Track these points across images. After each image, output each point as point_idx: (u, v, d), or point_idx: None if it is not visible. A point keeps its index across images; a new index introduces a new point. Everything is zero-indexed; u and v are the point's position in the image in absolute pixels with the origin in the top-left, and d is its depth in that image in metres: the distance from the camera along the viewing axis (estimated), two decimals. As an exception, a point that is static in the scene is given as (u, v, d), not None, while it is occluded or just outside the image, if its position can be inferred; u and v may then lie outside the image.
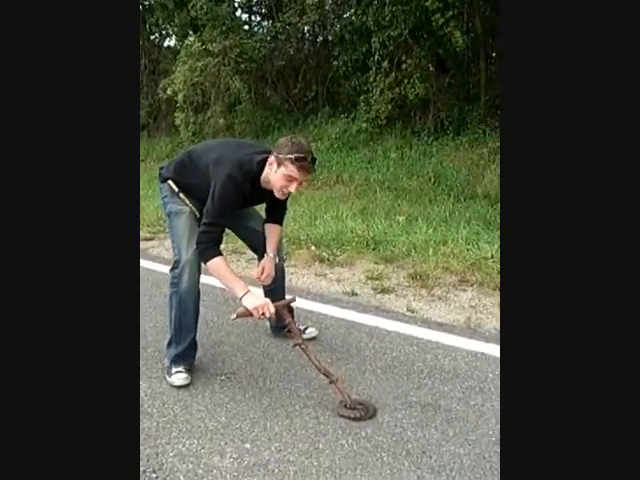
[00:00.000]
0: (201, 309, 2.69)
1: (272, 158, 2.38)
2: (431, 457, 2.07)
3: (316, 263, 4.44)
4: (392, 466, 2.03)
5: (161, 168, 2.78)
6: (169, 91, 9.71)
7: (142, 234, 5.55)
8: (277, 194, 2.48)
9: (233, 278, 2.43)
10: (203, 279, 2.65)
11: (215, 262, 2.39)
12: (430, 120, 8.41)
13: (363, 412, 2.31)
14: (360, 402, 2.37)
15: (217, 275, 2.45)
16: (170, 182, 2.65)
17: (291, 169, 2.33)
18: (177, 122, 10.06)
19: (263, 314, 2.36)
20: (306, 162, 2.34)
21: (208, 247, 2.39)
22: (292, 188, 2.41)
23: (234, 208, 2.48)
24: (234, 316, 2.39)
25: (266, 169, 2.43)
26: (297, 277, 4.16)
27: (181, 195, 2.63)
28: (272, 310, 2.36)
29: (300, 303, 3.48)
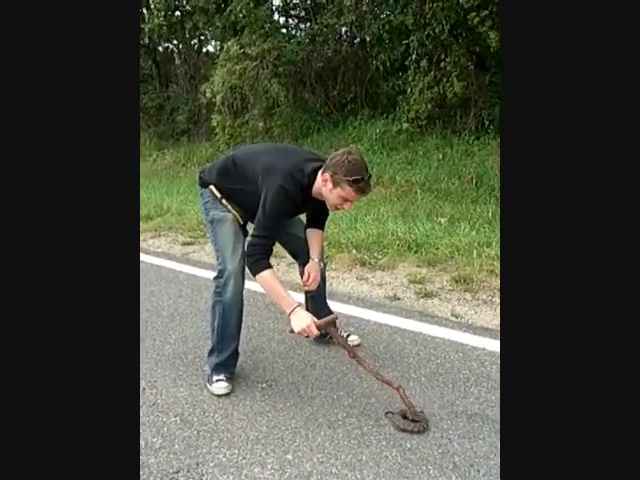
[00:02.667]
0: (243, 315, 2.65)
1: (327, 175, 2.30)
2: (479, 471, 1.99)
3: (357, 267, 4.37)
4: (439, 480, 1.96)
5: (201, 172, 2.72)
6: (208, 93, 9.75)
7: (182, 239, 5.58)
8: (329, 208, 2.46)
9: (282, 294, 2.38)
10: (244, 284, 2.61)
11: (264, 276, 2.35)
12: (471, 119, 8.24)
13: (422, 427, 2.24)
14: (417, 412, 2.29)
15: (266, 288, 2.41)
16: (212, 187, 2.61)
17: (348, 191, 2.27)
18: (214, 124, 10.08)
19: (307, 336, 2.34)
20: (363, 183, 2.27)
21: (258, 260, 2.35)
22: (346, 206, 2.37)
23: (284, 218, 2.45)
24: (289, 330, 2.39)
25: (319, 182, 2.36)
26: (338, 281, 4.11)
27: (224, 201, 2.58)
28: (315, 333, 2.33)
29: (341, 308, 3.45)
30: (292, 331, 2.35)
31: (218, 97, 9.70)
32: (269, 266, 2.37)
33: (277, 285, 2.39)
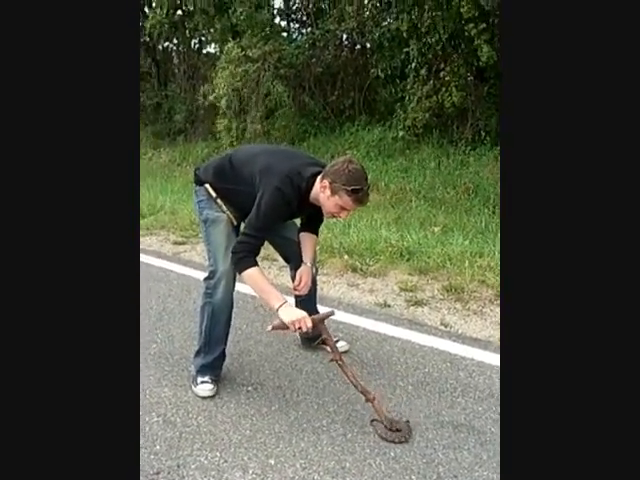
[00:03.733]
0: (231, 317, 2.63)
1: (326, 182, 2.26)
2: (463, 482, 1.98)
3: (349, 272, 4.35)
4: (422, 490, 1.94)
5: (197, 169, 2.68)
6: (211, 97, 9.74)
7: (174, 238, 5.55)
8: (326, 215, 2.43)
9: (269, 289, 2.35)
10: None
11: (250, 273, 2.31)
12: (468, 129, 8.25)
13: (404, 438, 2.21)
14: (396, 421, 2.27)
15: (252, 285, 2.37)
16: (207, 186, 2.56)
17: (346, 200, 2.23)
18: (219, 128, 10.06)
19: (300, 328, 2.26)
20: (362, 194, 2.24)
21: (244, 257, 2.31)
22: (343, 215, 2.34)
23: (278, 222, 2.42)
24: (270, 328, 2.31)
25: (317, 188, 2.33)
26: (329, 286, 4.08)
27: (219, 201, 2.54)
28: (309, 324, 2.25)
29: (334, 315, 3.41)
30: (275, 327, 2.28)
31: (223, 101, 9.69)
32: (255, 264, 2.33)
33: (264, 281, 2.35)
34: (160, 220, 6.18)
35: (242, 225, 2.59)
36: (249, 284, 2.38)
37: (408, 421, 2.28)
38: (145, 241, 5.53)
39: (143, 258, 4.76)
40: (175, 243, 5.39)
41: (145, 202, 6.97)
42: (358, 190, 2.21)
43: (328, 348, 2.42)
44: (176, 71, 13.85)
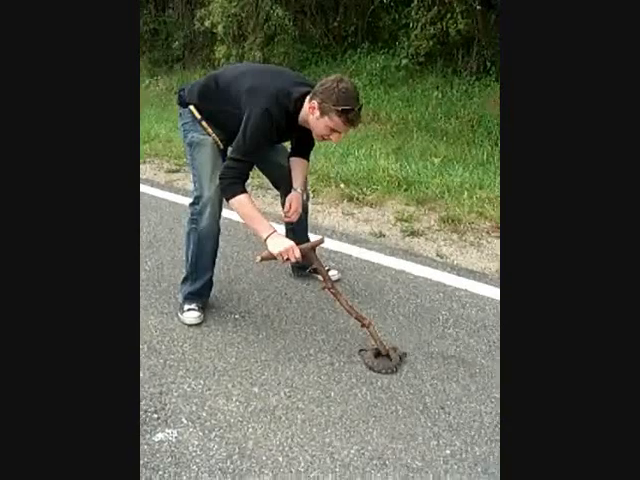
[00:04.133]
0: (221, 244, 2.54)
1: (315, 103, 2.12)
2: (449, 413, 1.93)
3: (344, 202, 4.24)
4: (407, 420, 1.89)
5: (181, 90, 2.53)
6: (207, 23, 9.37)
7: (168, 166, 5.42)
8: (316, 138, 2.30)
9: (258, 218, 2.26)
10: (225, 213, 2.50)
11: (239, 199, 2.22)
12: (473, 59, 7.95)
13: (392, 369, 2.16)
14: (392, 348, 2.22)
15: (240, 213, 2.28)
16: (192, 107, 2.43)
17: (336, 122, 2.10)
18: (217, 55, 9.73)
19: (288, 259, 2.18)
20: (353, 114, 2.09)
21: (232, 183, 2.22)
22: (334, 138, 2.20)
23: (266, 144, 2.29)
24: (258, 259, 2.23)
25: (306, 109, 2.19)
26: (323, 215, 3.99)
27: (204, 123, 2.41)
28: (297, 255, 2.17)
29: (325, 243, 3.33)
30: (263, 258, 2.21)
31: (219, 27, 9.33)
32: (244, 190, 2.24)
33: (252, 209, 2.26)
34: (154, 148, 6.03)
35: (229, 149, 2.48)
36: (237, 212, 2.29)
37: (405, 354, 2.23)
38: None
39: (135, 186, 4.66)
40: (169, 171, 5.26)
41: (140, 131, 6.81)
42: (349, 110, 2.08)
43: (320, 277, 2.35)
44: (173, -5, 13.35)
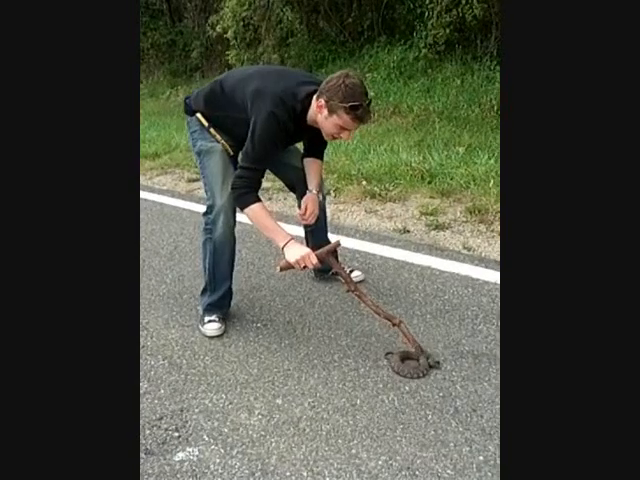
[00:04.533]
0: (242, 251, 2.50)
1: (322, 102, 2.04)
2: (482, 416, 1.83)
3: (367, 199, 4.15)
4: (437, 426, 1.80)
5: (187, 98, 2.48)
6: (218, 28, 9.36)
7: (188, 175, 5.39)
8: (326, 138, 2.22)
9: (273, 226, 2.20)
10: (245, 219, 2.41)
11: (253, 209, 2.16)
12: (492, 43, 7.76)
13: (418, 373, 2.06)
14: (425, 352, 2.12)
15: (256, 223, 2.23)
16: (199, 115, 2.37)
17: (345, 119, 2.02)
18: (230, 60, 9.72)
19: (305, 267, 2.13)
20: (361, 110, 2.00)
21: (245, 193, 2.16)
22: (344, 136, 2.12)
23: (275, 149, 2.21)
24: (278, 269, 2.18)
25: (314, 109, 2.12)
26: (346, 214, 3.90)
27: (212, 130, 2.36)
28: (315, 261, 2.12)
29: (347, 242, 3.27)
30: (282, 268, 2.17)
31: (230, 32, 9.33)
32: (258, 199, 2.18)
33: (268, 218, 2.20)
34: (175, 158, 6.01)
35: (239, 156, 2.41)
36: (252, 221, 2.23)
37: (438, 362, 2.11)
38: (160, 181, 5.41)
39: (156, 198, 4.66)
40: (189, 181, 5.23)
41: (161, 141, 6.83)
42: (357, 106, 1.99)
43: (342, 280, 2.27)
44: (187, 5, 13.40)
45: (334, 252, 2.31)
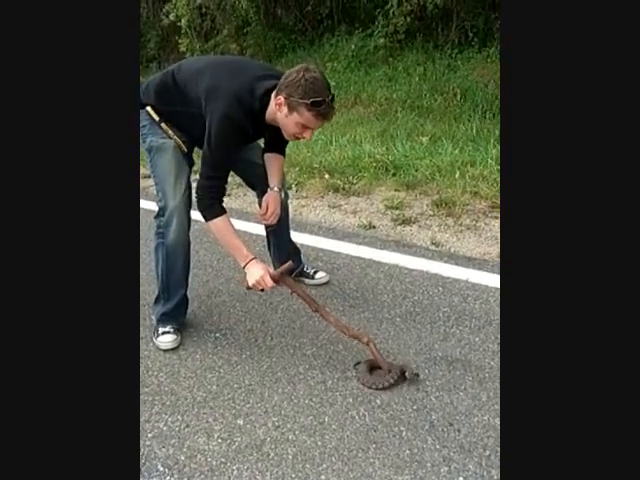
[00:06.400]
0: (200, 252, 2.32)
1: (281, 99, 1.87)
2: (459, 431, 1.69)
3: (330, 193, 3.99)
4: (412, 444, 1.66)
5: None
6: (172, 16, 9.08)
7: (142, 171, 5.15)
8: (287, 138, 2.06)
9: (235, 244, 2.06)
10: (200, 217, 2.25)
11: (216, 224, 2.02)
12: (453, 32, 7.67)
13: (384, 383, 1.91)
14: (398, 366, 1.96)
15: (218, 237, 2.10)
16: (149, 109, 2.17)
17: (306, 117, 1.85)
18: (182, 49, 9.46)
19: (262, 289, 2.03)
20: (324, 106, 1.84)
21: (211, 205, 2.01)
22: (307, 135, 1.95)
23: (236, 152, 2.05)
24: (245, 287, 2.11)
25: (273, 107, 1.94)
26: (308, 210, 3.74)
27: (163, 125, 2.16)
28: (269, 284, 2.01)
29: (310, 240, 3.12)
30: (248, 287, 2.06)
31: (183, 20, 9.06)
32: (223, 211, 2.03)
33: (231, 235, 2.06)
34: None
35: (194, 151, 2.23)
36: (216, 236, 2.10)
37: (418, 374, 1.96)
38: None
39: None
40: (142, 177, 5.00)
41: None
42: (320, 102, 1.82)
43: (304, 301, 2.13)
44: (142, -6, 13.02)
45: (290, 272, 2.16)
